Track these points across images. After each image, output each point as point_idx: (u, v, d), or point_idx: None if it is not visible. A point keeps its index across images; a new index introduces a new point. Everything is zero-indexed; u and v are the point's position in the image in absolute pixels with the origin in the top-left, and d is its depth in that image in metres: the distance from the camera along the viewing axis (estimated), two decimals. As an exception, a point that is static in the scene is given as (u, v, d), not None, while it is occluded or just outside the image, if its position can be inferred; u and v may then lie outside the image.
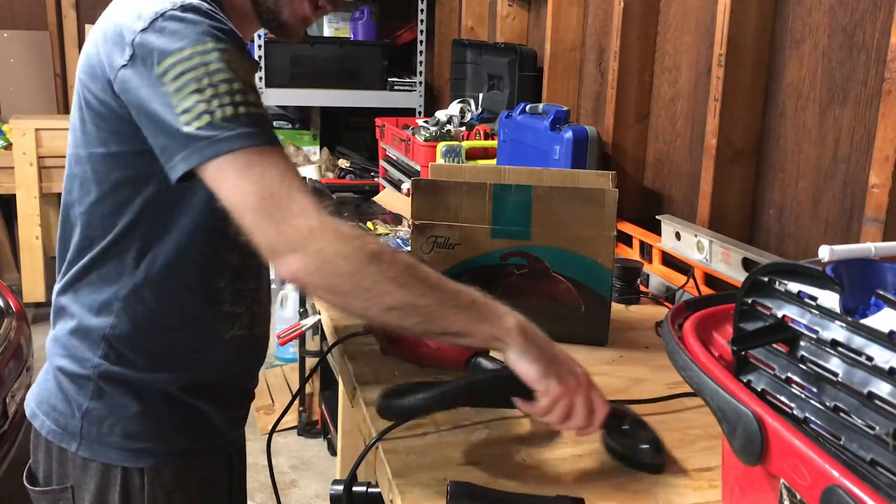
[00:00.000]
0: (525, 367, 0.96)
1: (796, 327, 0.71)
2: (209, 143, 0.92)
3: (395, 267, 0.92)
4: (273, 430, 1.39)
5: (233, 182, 0.92)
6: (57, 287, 1.15)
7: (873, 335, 0.63)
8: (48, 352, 1.16)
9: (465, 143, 2.53)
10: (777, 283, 0.74)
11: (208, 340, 1.16)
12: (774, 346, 0.73)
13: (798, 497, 0.63)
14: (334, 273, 0.91)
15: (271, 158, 0.94)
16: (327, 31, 4.05)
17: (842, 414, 0.64)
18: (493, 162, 2.43)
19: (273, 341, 2.03)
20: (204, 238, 1.09)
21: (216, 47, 0.96)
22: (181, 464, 1.16)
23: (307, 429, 3.25)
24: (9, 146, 4.29)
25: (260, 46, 3.69)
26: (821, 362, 0.67)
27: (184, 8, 0.98)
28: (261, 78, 3.70)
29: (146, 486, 1.12)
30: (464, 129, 2.78)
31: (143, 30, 0.98)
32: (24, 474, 1.18)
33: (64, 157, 1.14)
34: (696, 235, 1.73)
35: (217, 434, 1.20)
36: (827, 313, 0.68)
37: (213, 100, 0.93)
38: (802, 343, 0.70)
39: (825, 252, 0.73)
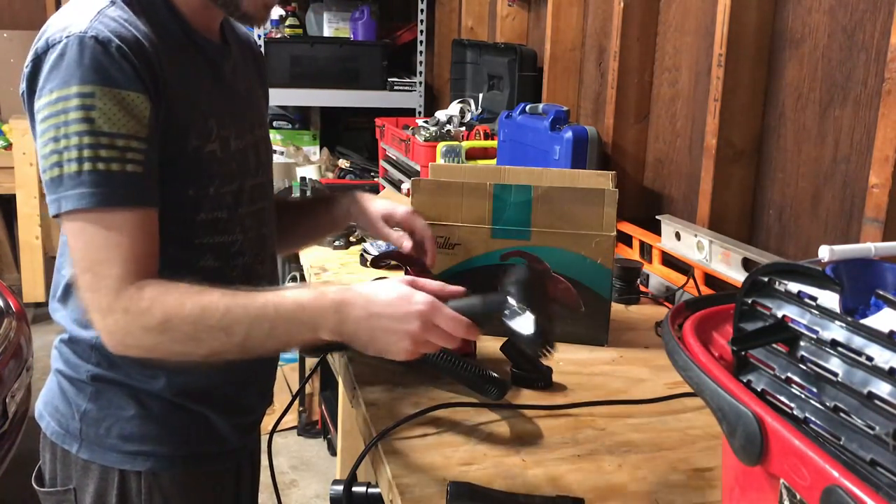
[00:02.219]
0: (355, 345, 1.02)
1: (796, 327, 0.71)
2: (56, 199, 0.96)
3: (184, 329, 0.97)
4: (273, 430, 1.39)
5: (70, 243, 0.99)
6: (52, 302, 1.15)
7: (873, 335, 0.63)
8: (52, 356, 1.17)
9: (465, 143, 2.53)
10: (777, 283, 0.74)
11: None
12: (774, 346, 0.73)
13: (798, 497, 0.63)
14: (136, 346, 0.99)
15: (103, 223, 0.96)
16: (327, 31, 4.04)
17: (842, 414, 0.64)
18: (493, 162, 2.43)
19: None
20: (172, 249, 1.07)
21: (80, 92, 0.94)
22: (181, 469, 1.14)
23: (307, 429, 3.25)
24: (9, 146, 4.29)
25: (260, 47, 3.68)
26: (821, 362, 0.67)
27: (70, 41, 0.95)
28: (261, 78, 3.69)
29: (143, 491, 1.12)
30: (464, 129, 2.77)
31: (36, 57, 0.98)
32: (34, 475, 1.19)
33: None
34: (696, 235, 1.73)
35: (221, 440, 1.18)
36: (827, 313, 0.68)
37: (64, 152, 0.95)
38: (802, 343, 0.70)
39: (825, 252, 0.73)
